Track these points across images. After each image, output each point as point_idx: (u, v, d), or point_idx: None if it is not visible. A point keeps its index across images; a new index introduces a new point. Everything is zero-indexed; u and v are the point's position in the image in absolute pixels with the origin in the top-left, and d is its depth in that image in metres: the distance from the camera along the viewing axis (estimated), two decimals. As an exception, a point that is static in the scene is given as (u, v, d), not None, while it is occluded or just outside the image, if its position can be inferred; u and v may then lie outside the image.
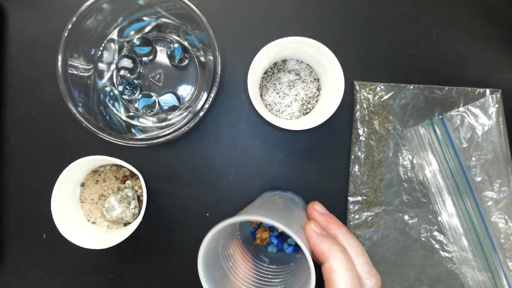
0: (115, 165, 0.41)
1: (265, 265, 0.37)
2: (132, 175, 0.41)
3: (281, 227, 0.26)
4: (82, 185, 0.41)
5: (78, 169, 0.38)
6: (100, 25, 0.39)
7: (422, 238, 0.42)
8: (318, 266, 0.30)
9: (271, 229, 0.40)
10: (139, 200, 0.41)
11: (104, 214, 0.40)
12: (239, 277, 0.33)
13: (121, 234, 0.37)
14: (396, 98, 0.42)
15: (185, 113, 0.41)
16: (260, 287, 0.34)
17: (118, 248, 0.42)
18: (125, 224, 0.41)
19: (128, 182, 0.41)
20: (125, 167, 0.40)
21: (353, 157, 0.42)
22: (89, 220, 0.40)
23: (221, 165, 0.42)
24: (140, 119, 0.42)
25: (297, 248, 0.39)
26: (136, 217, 0.40)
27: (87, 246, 0.36)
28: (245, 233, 0.40)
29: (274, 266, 0.37)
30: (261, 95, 0.42)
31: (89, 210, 0.41)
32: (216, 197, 0.42)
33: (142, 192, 0.40)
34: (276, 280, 0.35)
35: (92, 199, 0.41)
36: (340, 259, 0.29)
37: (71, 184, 0.39)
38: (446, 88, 0.42)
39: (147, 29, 0.42)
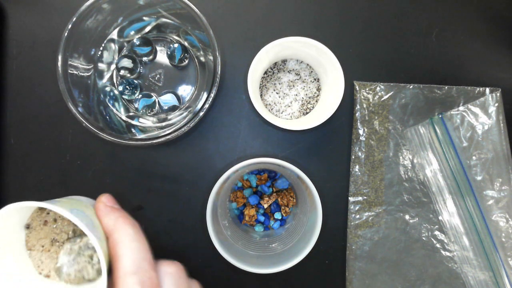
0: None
1: (258, 238, 0.42)
2: None
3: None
4: (27, 227, 0.31)
5: (13, 211, 0.28)
6: (100, 25, 0.39)
7: (423, 238, 0.42)
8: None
9: (257, 206, 0.42)
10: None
11: (59, 273, 0.29)
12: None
13: None
14: (396, 97, 0.42)
15: (185, 113, 0.41)
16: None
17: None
18: (89, 280, 0.30)
19: None
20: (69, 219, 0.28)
21: (353, 157, 0.42)
22: (41, 273, 0.30)
23: (221, 165, 0.42)
24: (140, 119, 0.42)
25: (283, 222, 0.43)
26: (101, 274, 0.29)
27: None
28: (233, 215, 0.43)
29: (266, 239, 0.42)
30: (261, 95, 0.42)
31: (40, 260, 0.30)
32: (216, 197, 0.42)
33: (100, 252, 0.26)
34: (272, 245, 0.41)
35: (43, 246, 0.30)
36: (126, 230, 0.25)
37: (11, 227, 0.29)
38: (446, 87, 0.42)
39: (147, 29, 0.42)
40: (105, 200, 0.28)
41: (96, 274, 0.29)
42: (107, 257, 0.26)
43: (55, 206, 0.26)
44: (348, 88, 0.43)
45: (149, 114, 0.42)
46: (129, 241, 0.25)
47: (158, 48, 0.42)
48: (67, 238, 0.31)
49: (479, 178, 0.41)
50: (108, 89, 0.41)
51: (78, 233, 0.30)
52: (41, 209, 0.31)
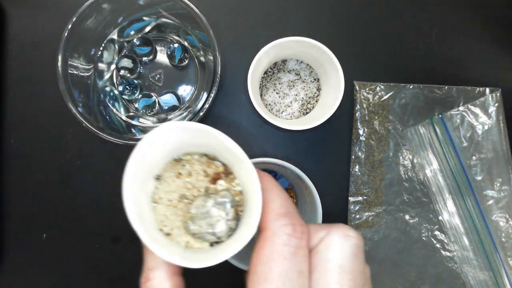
0: (206, 155, 0.28)
1: None
2: (227, 173, 0.28)
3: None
4: (158, 178, 0.28)
5: (162, 146, 0.25)
6: (100, 25, 0.39)
7: (423, 238, 0.42)
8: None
9: None
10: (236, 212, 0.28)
11: (188, 224, 0.27)
12: None
13: (212, 255, 0.25)
14: (396, 97, 0.42)
15: (185, 113, 0.41)
16: None
17: (118, 248, 0.42)
18: (211, 244, 0.27)
19: (221, 182, 0.28)
20: (219, 161, 0.27)
21: (353, 157, 0.42)
22: (162, 230, 0.27)
23: (221, 165, 0.42)
24: (140, 119, 0.42)
25: None
26: (231, 234, 0.26)
27: (179, 262, 0.24)
28: None
29: None
30: (261, 95, 0.42)
31: (164, 215, 0.27)
32: (216, 197, 0.42)
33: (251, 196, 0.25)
34: None
35: (170, 200, 0.27)
36: (270, 181, 0.24)
37: (142, 173, 0.26)
38: (446, 87, 0.42)
39: (147, 29, 0.42)
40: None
41: (227, 232, 0.27)
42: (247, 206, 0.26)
43: (233, 143, 0.25)
44: (348, 88, 0.43)
45: (149, 114, 0.42)
46: (277, 189, 0.24)
47: (158, 48, 0.42)
48: (198, 195, 0.28)
49: (479, 178, 0.41)
50: (108, 89, 0.41)
51: (210, 191, 0.27)
52: (177, 160, 0.28)
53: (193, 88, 0.42)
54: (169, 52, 0.41)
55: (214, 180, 0.28)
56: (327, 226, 0.23)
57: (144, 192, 0.27)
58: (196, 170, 0.28)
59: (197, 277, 0.32)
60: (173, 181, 0.28)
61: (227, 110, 0.43)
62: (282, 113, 0.42)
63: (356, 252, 0.23)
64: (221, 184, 0.27)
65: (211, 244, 0.27)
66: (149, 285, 0.24)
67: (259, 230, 0.23)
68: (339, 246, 0.22)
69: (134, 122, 0.41)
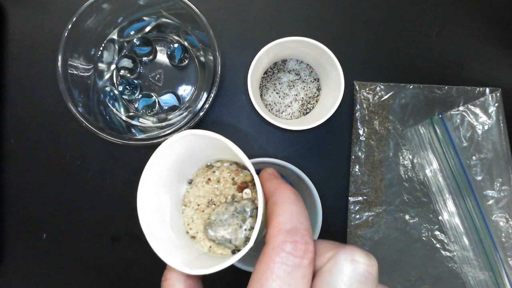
0: (236, 163, 0.29)
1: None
2: (254, 183, 0.29)
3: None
4: (190, 182, 0.29)
5: (190, 146, 0.26)
6: (100, 25, 0.39)
7: (423, 238, 0.42)
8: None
9: None
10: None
11: (206, 230, 0.27)
12: None
13: (218, 261, 0.25)
14: (396, 97, 0.42)
15: (185, 113, 0.41)
16: None
17: (118, 248, 0.42)
18: (233, 252, 0.27)
19: (247, 191, 0.28)
20: (248, 171, 0.29)
21: (353, 157, 0.42)
22: (188, 232, 0.28)
23: (221, 165, 0.42)
24: (140, 119, 0.42)
25: None
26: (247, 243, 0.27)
27: (175, 265, 0.24)
28: None
29: None
30: (261, 95, 0.42)
31: (191, 218, 0.28)
32: (216, 197, 0.42)
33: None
34: None
35: (198, 204, 0.29)
36: (286, 194, 0.24)
37: (175, 176, 0.27)
38: (446, 87, 0.42)
39: (147, 29, 0.42)
40: (270, 171, 0.27)
41: (243, 242, 0.27)
42: (264, 218, 0.25)
43: (245, 158, 0.25)
44: (348, 88, 0.43)
45: (149, 114, 0.42)
46: (289, 203, 0.23)
47: (158, 48, 0.42)
48: (225, 201, 0.29)
49: (479, 178, 0.41)
50: (108, 89, 0.41)
51: (236, 199, 0.28)
52: (209, 166, 0.29)
53: (193, 88, 0.42)
54: (169, 52, 0.41)
55: (241, 188, 0.28)
56: (336, 246, 0.22)
57: (176, 194, 0.28)
58: (224, 177, 0.29)
59: (205, 279, 0.31)
60: (202, 186, 0.29)
61: (227, 110, 0.43)
62: (282, 113, 0.42)
63: (362, 280, 0.20)
64: (247, 193, 0.28)
65: (233, 252, 0.27)
66: (165, 285, 0.24)
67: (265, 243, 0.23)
68: (343, 271, 0.20)
69: (134, 122, 0.41)
